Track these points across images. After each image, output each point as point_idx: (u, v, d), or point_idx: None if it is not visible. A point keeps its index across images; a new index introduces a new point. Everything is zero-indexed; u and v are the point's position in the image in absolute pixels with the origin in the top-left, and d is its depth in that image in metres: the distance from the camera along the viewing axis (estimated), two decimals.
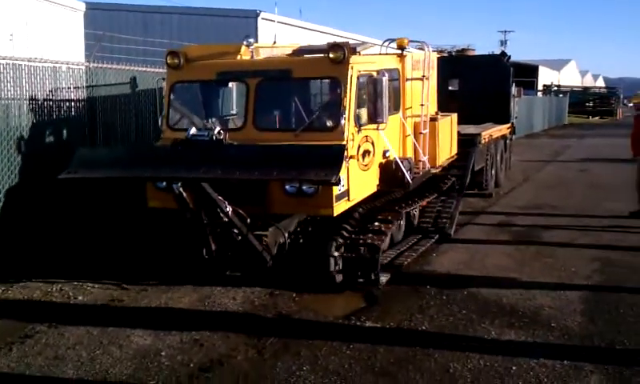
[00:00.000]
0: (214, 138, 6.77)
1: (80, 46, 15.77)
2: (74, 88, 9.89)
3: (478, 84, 15.01)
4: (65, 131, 9.75)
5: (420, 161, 9.54)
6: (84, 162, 6.77)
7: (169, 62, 8.29)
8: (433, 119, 10.14)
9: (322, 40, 16.78)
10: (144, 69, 11.19)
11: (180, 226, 7.62)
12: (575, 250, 9.52)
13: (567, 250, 9.47)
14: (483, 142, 13.26)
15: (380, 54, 9.83)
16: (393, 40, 9.73)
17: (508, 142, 17.31)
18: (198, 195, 6.85)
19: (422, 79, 9.79)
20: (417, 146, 9.52)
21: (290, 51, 9.52)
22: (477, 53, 19.41)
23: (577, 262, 8.76)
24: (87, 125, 9.97)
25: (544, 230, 10.77)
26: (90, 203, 9.29)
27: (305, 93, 8.60)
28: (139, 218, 8.54)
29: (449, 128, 11.14)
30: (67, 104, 9.82)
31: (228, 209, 6.84)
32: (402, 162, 8.38)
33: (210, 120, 8.20)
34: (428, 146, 9.78)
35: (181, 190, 6.78)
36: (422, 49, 10.24)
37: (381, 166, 8.35)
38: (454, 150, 11.67)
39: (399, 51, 9.44)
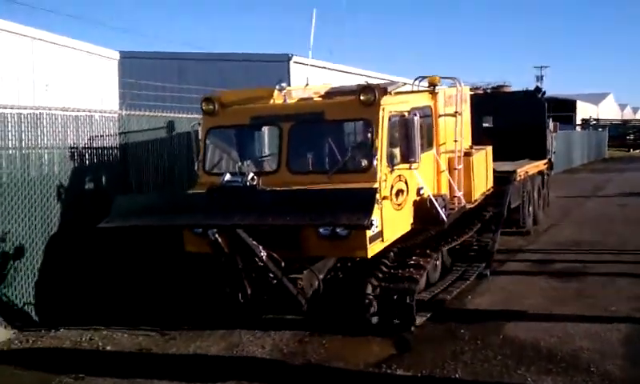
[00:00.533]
0: (248, 183, 6.89)
1: (115, 94, 16.09)
2: (108, 135, 10.03)
3: (512, 120, 14.84)
4: (100, 178, 9.88)
5: (455, 197, 9.43)
6: (122, 210, 6.99)
7: (204, 108, 8.44)
8: (467, 154, 10.05)
9: (353, 81, 16.82)
10: (176, 114, 11.31)
11: (216, 270, 7.71)
12: (615, 288, 9.20)
13: (607, 289, 9.16)
14: (519, 178, 13.03)
15: (412, 91, 9.82)
16: (424, 77, 9.76)
17: (545, 178, 17.00)
18: (233, 241, 6.93)
19: (454, 115, 9.72)
20: (451, 181, 9.43)
21: (322, 92, 9.57)
22: (513, 89, 19.26)
23: (617, 302, 8.46)
24: (121, 171, 10.08)
25: (583, 268, 10.46)
26: (128, 250, 9.33)
27: (337, 135, 8.56)
28: (176, 263, 8.59)
29: (484, 162, 11.05)
30: (102, 151, 9.95)
31: (263, 253, 6.91)
32: (436, 200, 8.29)
33: (244, 164, 8.32)
34: (463, 181, 9.70)
35: (216, 236, 6.90)
36: (453, 85, 10.19)
37: (415, 203, 8.27)
38: (490, 184, 11.51)
39: (431, 88, 9.43)
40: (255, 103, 8.55)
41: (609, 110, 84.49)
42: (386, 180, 7.55)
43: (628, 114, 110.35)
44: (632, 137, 66.67)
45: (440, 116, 9.49)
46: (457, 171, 9.51)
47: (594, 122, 60.19)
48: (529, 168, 14.21)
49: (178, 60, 24.18)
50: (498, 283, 9.69)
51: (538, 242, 13.22)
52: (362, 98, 7.59)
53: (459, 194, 9.49)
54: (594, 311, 8.10)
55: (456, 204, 9.42)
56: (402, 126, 7.64)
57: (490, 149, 11.48)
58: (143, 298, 8.96)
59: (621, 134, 65.35)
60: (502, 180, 12.16)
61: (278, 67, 21.33)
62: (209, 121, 8.51)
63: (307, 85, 9.87)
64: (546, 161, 16.49)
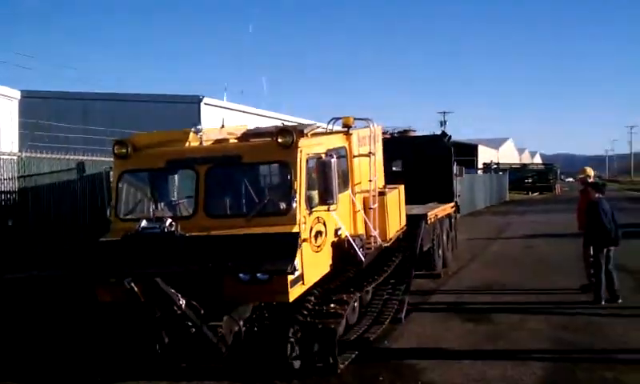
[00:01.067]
0: (166, 230, 6.77)
1: (15, 135, 15.28)
2: (6, 179, 9.46)
3: (420, 164, 15.16)
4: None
5: (371, 236, 9.46)
6: (32, 261, 6.76)
7: (116, 151, 8.13)
8: (381, 193, 10.16)
9: (265, 123, 16.68)
10: (80, 157, 10.83)
11: (131, 320, 7.31)
12: (526, 330, 9.37)
13: (519, 331, 9.31)
14: (429, 221, 13.22)
15: (327, 132, 9.83)
16: (338, 118, 9.89)
17: (453, 220, 17.38)
18: (150, 289, 6.62)
19: (368, 155, 9.81)
20: (367, 221, 9.45)
21: (238, 134, 9.43)
22: (418, 133, 19.73)
23: (529, 343, 8.59)
24: (20, 216, 9.49)
25: (495, 310, 10.61)
26: (35, 301, 8.74)
27: (255, 177, 8.52)
28: (89, 313, 8.16)
29: (397, 201, 11.18)
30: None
31: (181, 302, 6.69)
32: (353, 240, 8.30)
33: (160, 209, 8.14)
34: (378, 220, 9.73)
35: (132, 284, 6.57)
36: (367, 126, 10.30)
37: (333, 244, 8.24)
38: (403, 222, 11.68)
39: (345, 129, 9.51)
40: (170, 146, 8.31)
41: (508, 154, 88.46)
42: (305, 222, 7.49)
43: (526, 158, 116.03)
44: (530, 180, 69.95)
45: (354, 156, 9.56)
46: (372, 210, 9.56)
47: (495, 166, 62.63)
48: (438, 211, 14.46)
49: (84, 100, 23.36)
50: (412, 327, 9.67)
51: (448, 285, 13.40)
52: (279, 140, 7.55)
53: (375, 232, 9.51)
54: (509, 354, 8.17)
55: (372, 243, 9.44)
56: (320, 167, 7.60)
57: (402, 188, 11.67)
58: (55, 352, 8.43)
59: (520, 177, 68.43)
60: (413, 223, 12.29)
61: (188, 109, 20.95)
62: (121, 164, 8.19)
63: (223, 126, 9.67)
64: (453, 204, 16.87)
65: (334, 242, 8.25)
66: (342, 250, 8.30)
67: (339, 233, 8.31)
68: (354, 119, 9.70)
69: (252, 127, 10.18)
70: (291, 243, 6.49)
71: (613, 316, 10.06)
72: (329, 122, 10.18)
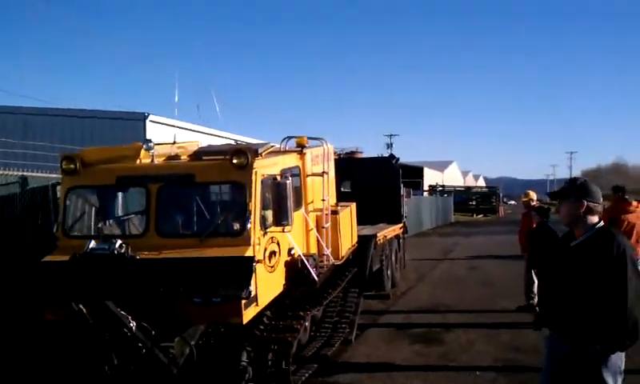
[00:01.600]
0: (115, 251, 6.57)
1: None
2: None
3: (369, 185, 15.15)
4: None
5: (324, 254, 9.40)
6: None
7: (64, 166, 7.83)
8: (334, 212, 10.09)
9: (213, 141, 16.42)
10: (20, 173, 10.39)
11: (78, 340, 6.97)
12: (476, 351, 9.40)
13: (468, 352, 9.32)
14: (379, 242, 13.21)
15: (281, 151, 9.70)
16: (291, 137, 9.86)
17: (401, 241, 17.47)
18: (100, 312, 6.42)
19: (322, 175, 9.83)
20: (320, 239, 9.40)
21: (190, 150, 9.15)
22: (365, 155, 19.82)
23: (479, 364, 8.61)
24: None
25: (444, 331, 10.62)
26: None
27: (208, 197, 8.39)
28: (33, 332, 7.85)
29: (349, 219, 11.15)
30: None
31: (132, 324, 6.48)
32: (307, 260, 8.19)
33: (108, 227, 8.00)
34: (331, 238, 9.71)
35: (80, 306, 6.41)
36: (319, 145, 10.28)
37: (286, 264, 8.11)
38: (355, 239, 11.64)
39: (299, 149, 9.48)
40: (121, 162, 8.03)
41: (453, 177, 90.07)
42: (259, 243, 7.31)
43: (470, 180, 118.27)
44: (474, 202, 71.30)
45: (308, 175, 9.50)
46: (325, 229, 9.51)
47: (441, 188, 63.64)
48: (387, 232, 14.49)
49: (23, 115, 22.62)
50: (362, 349, 9.59)
51: (397, 305, 13.38)
52: (234, 160, 7.36)
53: (327, 251, 9.47)
54: (460, 376, 8.17)
55: (325, 262, 9.37)
56: (275, 189, 7.52)
57: (353, 205, 11.64)
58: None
59: (464, 199, 69.69)
60: (363, 244, 12.25)
61: (133, 125, 20.50)
62: (69, 180, 7.89)
63: (175, 142, 9.39)
64: (401, 225, 16.96)
65: (287, 261, 8.14)
66: (295, 269, 8.18)
67: (292, 252, 8.22)
68: (308, 138, 9.68)
69: (204, 145, 9.95)
70: (246, 267, 6.54)
71: None
72: (282, 141, 10.10)
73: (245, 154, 7.37)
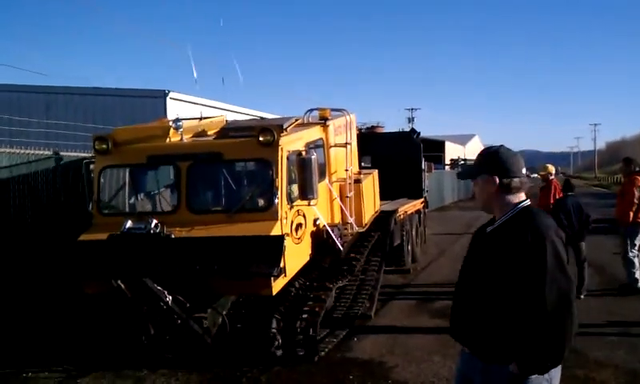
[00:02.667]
0: (152, 231, 7.05)
1: None
2: None
3: (390, 161, 15.08)
4: None
5: (348, 223, 9.70)
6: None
7: (97, 147, 8.20)
8: (357, 181, 10.36)
9: (234, 118, 16.46)
10: (40, 151, 10.54)
11: (117, 313, 7.56)
12: None
13: None
14: (399, 217, 13.18)
15: (304, 123, 9.86)
16: (314, 109, 10.19)
17: (422, 216, 17.42)
18: (138, 287, 6.92)
19: (345, 146, 10.06)
20: (344, 208, 9.72)
21: (216, 127, 9.40)
22: (386, 130, 19.73)
23: None
24: None
25: None
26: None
27: (236, 174, 8.69)
28: (75, 305, 8.37)
29: (372, 186, 11.52)
30: None
31: (168, 298, 6.98)
32: (332, 231, 8.51)
33: (141, 204, 8.45)
34: (354, 207, 9.98)
35: (119, 282, 6.91)
36: (342, 116, 10.52)
37: (312, 234, 8.48)
38: (378, 205, 12.13)
39: (322, 121, 9.78)
40: (151, 141, 8.31)
41: (475, 150, 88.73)
42: (286, 218, 7.66)
43: None
44: None
45: (331, 146, 9.85)
46: (348, 199, 9.80)
47: (462, 162, 63.15)
48: (408, 207, 14.46)
49: (46, 94, 22.77)
50: (381, 323, 9.61)
51: (418, 280, 13.39)
52: (260, 138, 7.63)
53: (351, 220, 9.74)
54: None
55: (349, 230, 9.68)
56: (301, 164, 7.75)
57: (376, 173, 12.06)
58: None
59: None
60: (383, 219, 12.24)
61: (154, 103, 20.52)
62: (102, 160, 8.28)
63: (201, 118, 9.61)
64: (422, 200, 16.92)
65: (312, 231, 8.47)
66: (320, 239, 8.50)
67: (318, 223, 8.52)
68: (330, 110, 9.98)
69: (231, 120, 10.06)
70: (277, 246, 6.97)
71: (579, 308, 10.12)
72: (305, 113, 10.26)
73: (271, 132, 7.62)
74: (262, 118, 9.32)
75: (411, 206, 15.00)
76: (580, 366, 7.38)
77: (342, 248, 8.70)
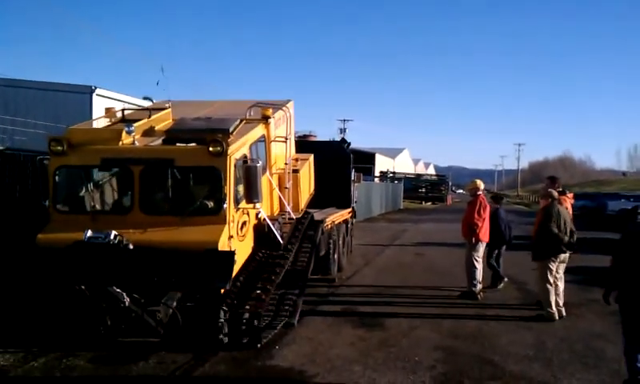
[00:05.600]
0: (111, 242, 7.61)
1: None
2: None
3: (320, 169, 15.09)
4: None
5: (286, 211, 10.70)
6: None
7: (52, 148, 8.57)
8: (295, 170, 11.41)
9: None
10: None
11: (76, 309, 8.12)
12: (416, 337, 9.43)
13: (409, 338, 9.35)
14: (327, 227, 13.18)
15: (247, 120, 10.18)
16: (258, 105, 10.71)
17: (349, 226, 17.50)
18: (99, 292, 7.70)
19: (285, 140, 11.04)
20: (282, 198, 10.64)
21: (164, 126, 9.81)
22: (318, 139, 19.78)
23: (420, 351, 8.64)
24: None
25: (386, 317, 10.62)
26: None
27: (187, 178, 9.11)
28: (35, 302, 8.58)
29: (308, 172, 12.78)
30: None
31: (126, 300, 7.73)
32: (273, 225, 9.31)
33: (94, 203, 8.90)
34: (292, 195, 10.99)
35: (82, 287, 7.70)
36: (279, 108, 11.30)
37: (255, 228, 9.25)
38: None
39: (264, 119, 10.37)
40: (104, 143, 8.72)
41: (404, 164, 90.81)
42: (233, 221, 8.42)
43: (421, 168, 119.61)
44: (424, 190, 72.18)
45: (272, 141, 10.54)
46: (287, 190, 10.76)
47: (391, 175, 64.15)
48: (335, 217, 14.48)
49: None
50: (304, 333, 9.52)
51: (342, 290, 13.38)
52: (210, 149, 8.16)
53: (289, 208, 10.77)
54: (399, 362, 8.17)
55: (287, 218, 10.60)
56: (246, 172, 8.49)
57: (312, 158, 13.50)
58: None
59: (414, 186, 70.50)
60: (311, 228, 12.19)
61: (80, 99, 19.94)
62: (57, 160, 8.66)
63: (150, 116, 9.85)
64: (350, 209, 16.99)
65: (255, 225, 9.24)
66: (262, 233, 9.31)
67: (259, 216, 9.29)
68: (272, 104, 10.74)
69: (178, 118, 10.23)
70: (228, 261, 7.83)
71: (499, 322, 10.38)
72: (247, 110, 10.61)
73: (220, 143, 8.17)
74: (208, 118, 9.84)
75: (339, 216, 15.03)
76: (497, 378, 7.52)
77: (281, 242, 9.48)
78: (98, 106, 19.24)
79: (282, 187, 10.67)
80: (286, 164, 10.76)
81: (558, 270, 10.79)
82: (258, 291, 8.91)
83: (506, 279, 13.75)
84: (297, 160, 12.22)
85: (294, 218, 10.90)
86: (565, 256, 10.76)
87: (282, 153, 10.90)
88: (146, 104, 12.35)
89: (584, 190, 63.97)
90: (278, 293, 10.07)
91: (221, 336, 8.26)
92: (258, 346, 8.38)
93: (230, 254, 7.92)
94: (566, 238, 10.46)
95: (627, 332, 6.76)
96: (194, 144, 8.72)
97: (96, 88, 19.92)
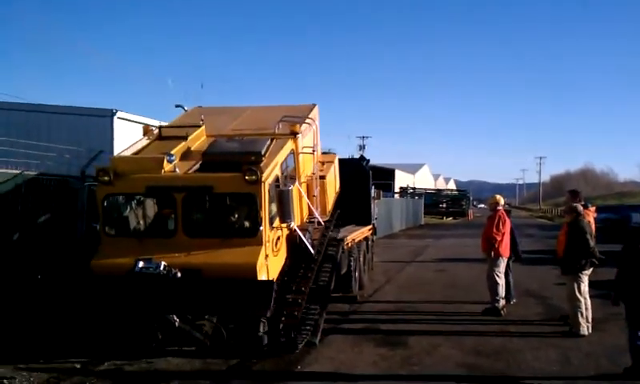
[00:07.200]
0: (161, 273, 8.35)
1: None
2: None
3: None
4: None
5: (315, 218, 11.30)
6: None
7: (100, 178, 9.21)
8: (322, 177, 12.21)
9: None
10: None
11: (130, 324, 8.67)
12: (439, 355, 9.35)
13: (432, 356, 9.27)
14: (347, 245, 13.15)
15: (276, 136, 10.65)
16: (286, 120, 11.11)
17: (370, 243, 17.45)
18: (152, 316, 8.41)
19: (312, 152, 11.68)
20: (311, 206, 11.26)
21: (201, 146, 10.39)
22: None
23: (443, 369, 8.56)
24: None
25: (408, 335, 10.55)
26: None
27: (225, 204, 9.62)
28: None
29: (333, 174, 13.75)
30: None
31: (176, 321, 8.34)
32: (304, 236, 9.85)
33: (141, 226, 9.64)
34: (319, 201, 11.72)
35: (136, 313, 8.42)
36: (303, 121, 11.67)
37: (287, 239, 9.85)
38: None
39: (293, 135, 10.81)
40: (148, 172, 9.27)
41: (424, 179, 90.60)
42: (269, 240, 9.03)
43: (441, 183, 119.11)
44: (445, 205, 71.75)
45: (300, 153, 11.05)
46: (315, 198, 11.53)
47: (411, 191, 63.93)
48: (356, 234, 14.46)
49: None
50: (326, 352, 9.49)
51: (364, 308, 13.32)
52: (246, 177, 8.73)
53: (317, 213, 11.40)
54: (422, 380, 8.11)
55: (315, 224, 11.24)
56: (279, 197, 9.12)
57: (336, 159, 14.53)
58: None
59: (435, 202, 70.10)
60: (332, 247, 12.17)
61: (100, 122, 20.12)
62: (105, 189, 9.28)
63: (187, 136, 10.42)
64: (370, 226, 16.95)
65: (287, 235, 9.83)
66: (294, 245, 9.88)
67: (291, 226, 9.75)
68: (300, 125, 11.15)
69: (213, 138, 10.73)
70: (268, 291, 8.29)
71: (522, 338, 10.26)
72: (276, 123, 11.04)
73: (255, 172, 8.76)
74: (241, 139, 10.52)
75: (359, 234, 15.01)
76: None
77: (313, 251, 10.12)
78: (119, 129, 19.46)
79: (310, 195, 11.38)
80: (313, 173, 11.59)
81: None
82: (290, 300, 9.45)
83: (515, 300, 13.37)
84: (322, 164, 12.96)
85: (322, 222, 11.58)
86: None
87: (309, 161, 11.64)
88: (179, 112, 12.61)
89: (606, 203, 63.01)
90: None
91: (262, 346, 8.84)
92: (296, 351, 9.09)
93: (270, 284, 8.45)
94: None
95: (629, 317, 8.05)
96: (230, 173, 9.12)
97: (117, 111, 20.11)
